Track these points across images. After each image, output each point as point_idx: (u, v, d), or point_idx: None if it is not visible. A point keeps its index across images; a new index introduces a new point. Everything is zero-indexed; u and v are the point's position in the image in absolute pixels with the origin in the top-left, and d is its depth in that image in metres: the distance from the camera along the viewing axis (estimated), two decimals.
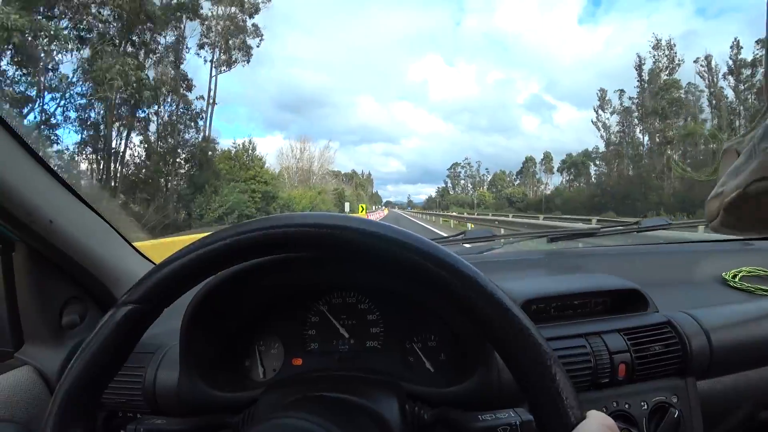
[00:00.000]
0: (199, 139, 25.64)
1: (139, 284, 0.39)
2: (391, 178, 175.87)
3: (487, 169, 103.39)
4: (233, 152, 27.74)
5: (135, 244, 0.86)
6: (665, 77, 40.90)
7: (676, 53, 41.53)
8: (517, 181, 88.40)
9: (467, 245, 1.26)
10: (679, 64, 40.66)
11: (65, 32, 17.39)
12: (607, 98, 50.08)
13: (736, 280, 0.99)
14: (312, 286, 0.68)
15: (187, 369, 0.58)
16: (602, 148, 51.33)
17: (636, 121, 44.91)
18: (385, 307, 0.68)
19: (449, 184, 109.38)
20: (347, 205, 26.74)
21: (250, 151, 28.20)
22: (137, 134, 22.37)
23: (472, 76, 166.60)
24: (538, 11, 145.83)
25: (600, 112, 50.19)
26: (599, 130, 50.37)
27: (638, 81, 43.92)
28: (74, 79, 18.55)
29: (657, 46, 42.42)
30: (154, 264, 0.85)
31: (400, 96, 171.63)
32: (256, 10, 27.89)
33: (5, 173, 0.56)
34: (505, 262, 1.14)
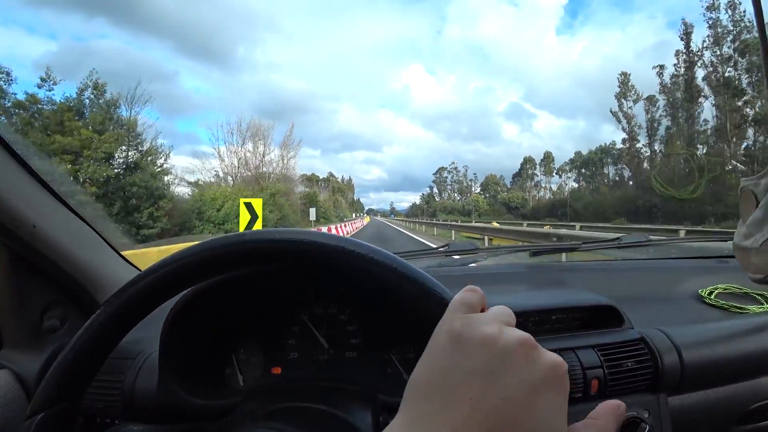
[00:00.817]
0: None
1: (44, 385, 0.37)
2: (372, 186, 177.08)
3: (475, 174, 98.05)
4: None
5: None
6: (729, 44, 32.65)
7: (744, 12, 31.71)
8: (512, 185, 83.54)
9: (449, 257, 1.28)
10: (747, 27, 31.31)
11: None
12: (630, 83, 42.02)
13: (712, 297, 1.02)
14: (294, 296, 0.69)
15: (166, 376, 0.59)
16: (619, 143, 43.99)
17: (683, 102, 36.63)
18: (365, 318, 0.69)
19: (435, 190, 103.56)
20: (312, 212, 21.86)
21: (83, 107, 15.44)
22: None
23: (452, 84, 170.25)
24: (517, 22, 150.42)
25: (622, 100, 42.52)
26: (620, 121, 42.85)
27: (686, 53, 36.54)
28: None
29: (712, 7, 34.08)
30: (139, 270, 0.86)
31: (381, 104, 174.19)
32: None
33: None
34: (487, 275, 1.16)
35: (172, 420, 0.60)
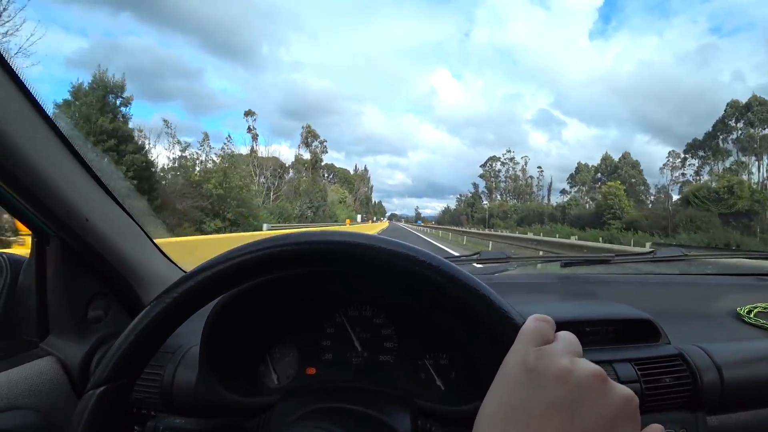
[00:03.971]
0: None
1: (107, 361, 0.39)
2: (396, 191, 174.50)
3: (540, 167, 68.83)
4: None
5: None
6: None
7: None
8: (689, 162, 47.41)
9: (480, 265, 1.27)
10: None
11: None
12: None
13: (751, 316, 0.98)
14: (330, 298, 0.70)
15: (205, 371, 0.60)
16: None
17: None
18: (400, 322, 0.69)
19: (483, 188, 76.29)
20: None
21: None
22: None
23: (479, 89, 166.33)
24: (548, 25, 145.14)
25: None
26: None
27: None
28: None
29: None
30: (182, 271, 0.88)
31: (406, 108, 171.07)
32: None
33: (50, 171, 0.59)
34: (517, 284, 1.14)
35: (210, 414, 0.62)
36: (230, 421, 0.60)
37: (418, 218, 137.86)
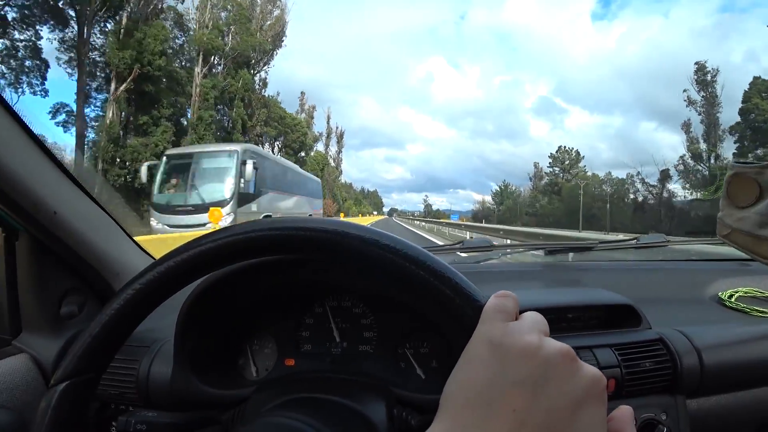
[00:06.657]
0: None
1: (70, 356, 0.38)
2: (395, 185, 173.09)
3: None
4: None
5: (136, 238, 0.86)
6: None
7: None
8: None
9: (464, 254, 1.27)
10: None
11: None
12: None
13: (732, 300, 0.99)
14: (308, 288, 0.69)
15: (180, 364, 0.59)
16: None
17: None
18: (379, 312, 0.68)
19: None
20: None
21: None
22: None
23: (476, 77, 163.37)
24: (548, 6, 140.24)
25: None
26: None
27: None
28: None
29: None
30: (154, 258, 0.86)
31: (403, 98, 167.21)
32: None
33: (12, 163, 0.57)
34: (501, 272, 1.15)
35: (186, 408, 0.61)
36: (206, 413, 0.59)
37: (427, 213, 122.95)
